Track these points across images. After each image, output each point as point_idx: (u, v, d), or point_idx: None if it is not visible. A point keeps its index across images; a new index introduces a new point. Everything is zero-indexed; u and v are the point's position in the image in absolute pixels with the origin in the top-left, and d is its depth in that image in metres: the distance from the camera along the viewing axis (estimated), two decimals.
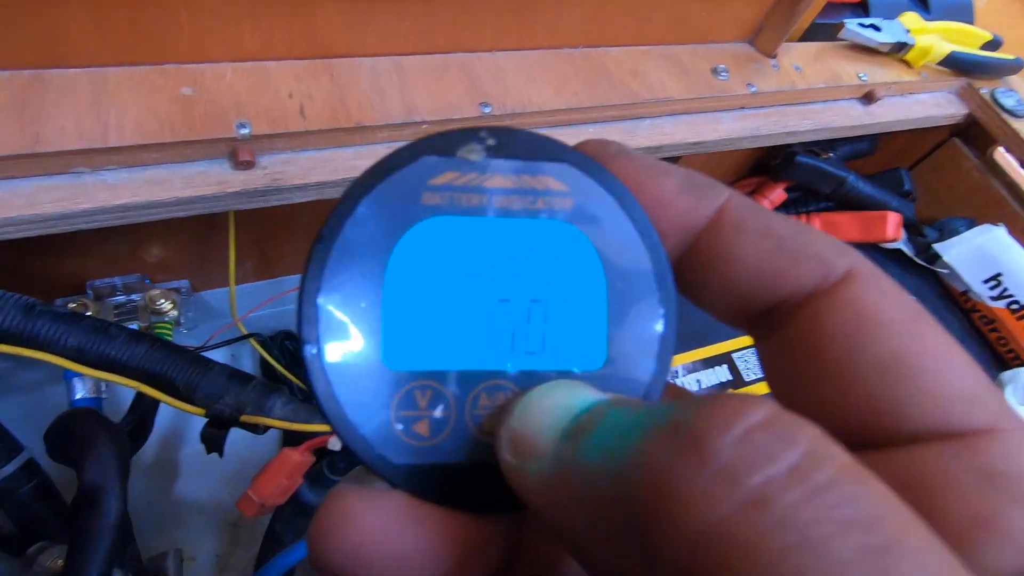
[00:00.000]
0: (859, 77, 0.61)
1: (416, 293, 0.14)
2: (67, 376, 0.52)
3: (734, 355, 0.61)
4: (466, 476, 0.14)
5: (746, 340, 0.63)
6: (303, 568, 0.51)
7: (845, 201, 0.72)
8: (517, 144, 0.14)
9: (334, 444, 0.44)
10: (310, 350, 0.13)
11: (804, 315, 0.13)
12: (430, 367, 0.14)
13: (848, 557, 0.08)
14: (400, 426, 0.13)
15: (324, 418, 0.13)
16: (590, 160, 0.14)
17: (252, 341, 0.63)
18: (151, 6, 0.36)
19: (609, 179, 0.14)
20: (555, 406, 0.13)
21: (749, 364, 0.61)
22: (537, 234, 0.14)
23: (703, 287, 0.15)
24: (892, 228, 0.69)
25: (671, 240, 0.15)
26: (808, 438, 0.09)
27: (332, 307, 0.13)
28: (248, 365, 0.75)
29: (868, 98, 0.63)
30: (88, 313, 0.52)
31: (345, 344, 0.13)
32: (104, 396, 0.53)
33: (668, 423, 0.10)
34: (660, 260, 0.14)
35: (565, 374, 0.14)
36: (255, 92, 0.40)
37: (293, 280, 0.69)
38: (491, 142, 0.14)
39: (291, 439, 0.66)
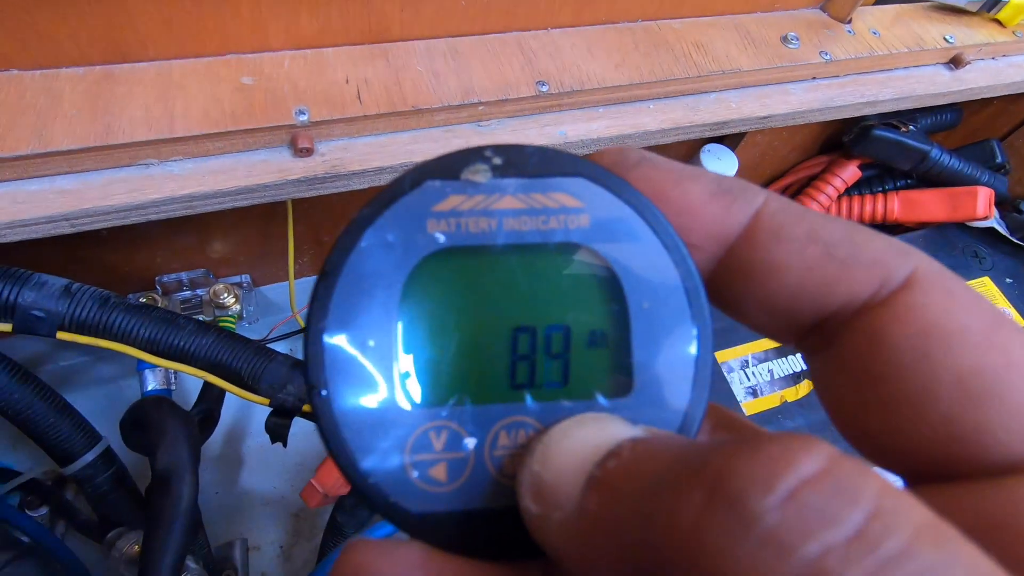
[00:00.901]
0: (945, 40, 0.56)
1: (427, 328, 0.13)
2: (140, 368, 0.54)
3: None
4: (488, 523, 0.13)
5: None
6: None
7: (928, 177, 0.67)
8: (525, 160, 0.13)
9: None
10: (319, 394, 0.12)
11: (861, 327, 0.12)
12: (445, 406, 0.13)
13: None
14: (416, 472, 0.12)
15: (336, 465, 0.12)
16: (606, 171, 0.13)
17: None
18: None
19: (628, 190, 0.13)
20: (579, 446, 0.11)
21: None
22: (552, 257, 0.13)
23: (742, 302, 0.13)
24: (983, 204, 0.64)
25: (702, 252, 0.13)
26: (874, 493, 0.08)
27: (340, 347, 0.12)
28: None
29: (955, 62, 0.57)
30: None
31: (355, 386, 0.12)
32: (173, 388, 0.55)
33: (704, 474, 0.09)
34: (690, 275, 0.13)
35: (591, 406, 0.13)
36: (312, 78, 0.40)
37: None
38: (497, 161, 0.13)
39: None
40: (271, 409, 0.45)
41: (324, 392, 0.12)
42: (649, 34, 0.49)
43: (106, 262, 0.54)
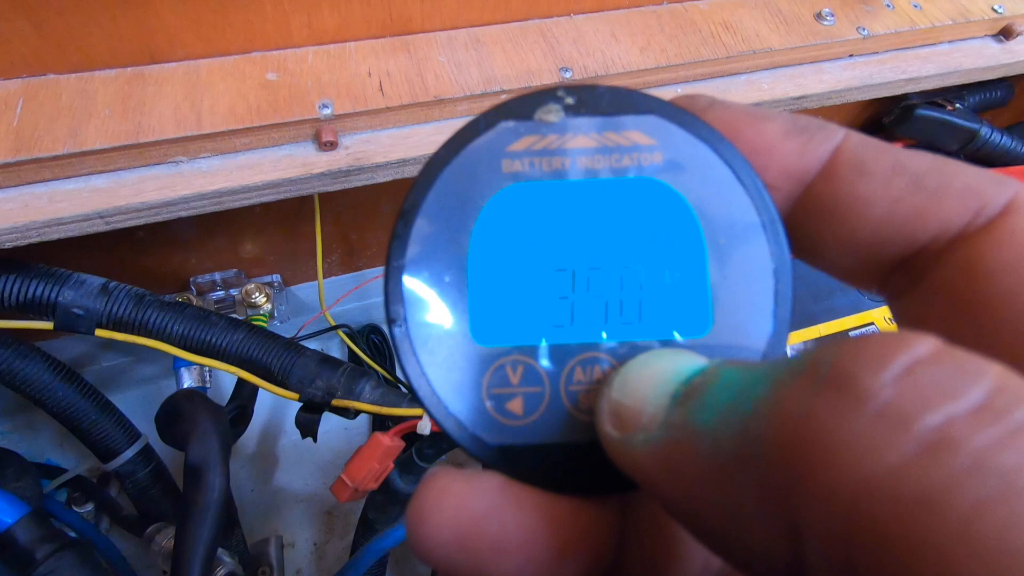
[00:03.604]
0: (993, 10, 0.53)
1: (502, 265, 0.13)
2: (176, 367, 0.55)
3: (852, 334, 0.54)
4: (564, 457, 0.13)
5: (863, 318, 0.56)
6: (396, 554, 0.50)
7: (977, 158, 0.63)
8: (598, 100, 0.13)
9: (423, 428, 0.43)
10: (398, 329, 0.13)
11: (957, 259, 0.11)
12: (520, 341, 0.13)
13: None
14: (491, 403, 0.13)
15: (414, 396, 0.13)
16: (680, 109, 0.13)
17: (340, 333, 0.64)
18: None
19: (703, 127, 0.13)
20: (660, 373, 0.11)
21: None
22: (626, 194, 0.13)
23: (822, 242, 0.13)
24: None
25: (779, 191, 0.13)
26: (996, 372, 0.08)
27: (417, 284, 0.13)
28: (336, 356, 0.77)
29: (1005, 33, 0.54)
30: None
31: (432, 321, 0.13)
32: (208, 386, 0.56)
33: (803, 368, 0.08)
34: (767, 210, 0.13)
35: (667, 343, 0.13)
36: (335, 72, 0.40)
37: (376, 272, 0.70)
38: (569, 100, 0.13)
39: (380, 426, 0.67)
40: (300, 405, 0.45)
41: (402, 326, 0.13)
42: (675, 16, 0.47)
43: (143, 264, 0.55)
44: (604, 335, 0.13)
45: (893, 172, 0.12)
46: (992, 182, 0.11)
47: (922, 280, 0.12)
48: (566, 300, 0.13)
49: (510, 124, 0.13)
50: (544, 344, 0.13)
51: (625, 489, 0.12)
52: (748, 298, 0.13)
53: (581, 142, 0.13)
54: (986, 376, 0.07)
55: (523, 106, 0.13)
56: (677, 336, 0.13)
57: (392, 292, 0.13)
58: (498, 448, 0.13)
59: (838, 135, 0.12)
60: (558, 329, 0.13)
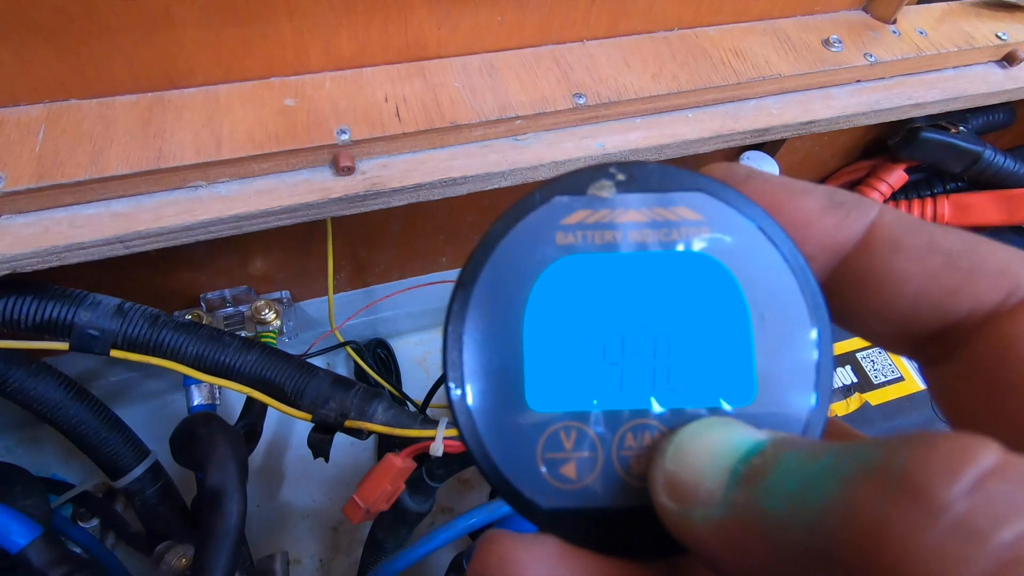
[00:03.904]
0: (997, 36, 0.54)
1: (556, 333, 0.14)
2: (186, 383, 0.55)
3: (858, 355, 0.55)
4: (617, 520, 0.13)
5: None
6: (406, 572, 0.50)
7: (980, 179, 0.64)
8: (648, 177, 0.14)
9: (435, 449, 0.43)
10: (455, 392, 0.13)
11: (988, 337, 0.12)
12: (574, 407, 0.14)
13: None
14: (545, 468, 0.13)
15: (471, 459, 0.13)
16: (724, 186, 0.14)
17: (348, 349, 0.65)
18: (258, 23, 0.37)
19: (746, 204, 0.14)
20: (715, 446, 0.12)
21: (877, 365, 0.55)
22: (674, 266, 0.14)
23: (858, 312, 0.14)
24: None
25: (816, 263, 0.14)
26: None
27: (475, 350, 0.13)
28: (343, 372, 0.77)
29: (1009, 59, 0.55)
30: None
31: (489, 386, 0.13)
32: (218, 403, 0.56)
33: (875, 468, 0.09)
34: (808, 283, 0.13)
35: (714, 411, 0.13)
36: (352, 98, 0.40)
37: (384, 288, 0.70)
38: (621, 177, 0.14)
39: (389, 446, 0.67)
40: (313, 424, 0.45)
41: (461, 392, 0.13)
42: (685, 42, 0.48)
43: (154, 281, 0.55)
44: (653, 401, 0.13)
45: (928, 250, 0.12)
46: (1023, 263, 0.12)
47: (955, 353, 0.12)
48: (616, 367, 0.14)
49: (564, 199, 0.14)
50: (596, 410, 0.13)
51: (677, 553, 0.13)
52: (791, 368, 0.13)
53: (632, 216, 0.14)
54: None
55: (577, 182, 0.14)
56: (724, 404, 0.13)
57: (451, 357, 0.13)
58: (551, 512, 0.13)
59: (873, 211, 0.13)
60: (609, 396, 0.13)
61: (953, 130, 0.61)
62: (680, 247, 0.14)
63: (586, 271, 0.14)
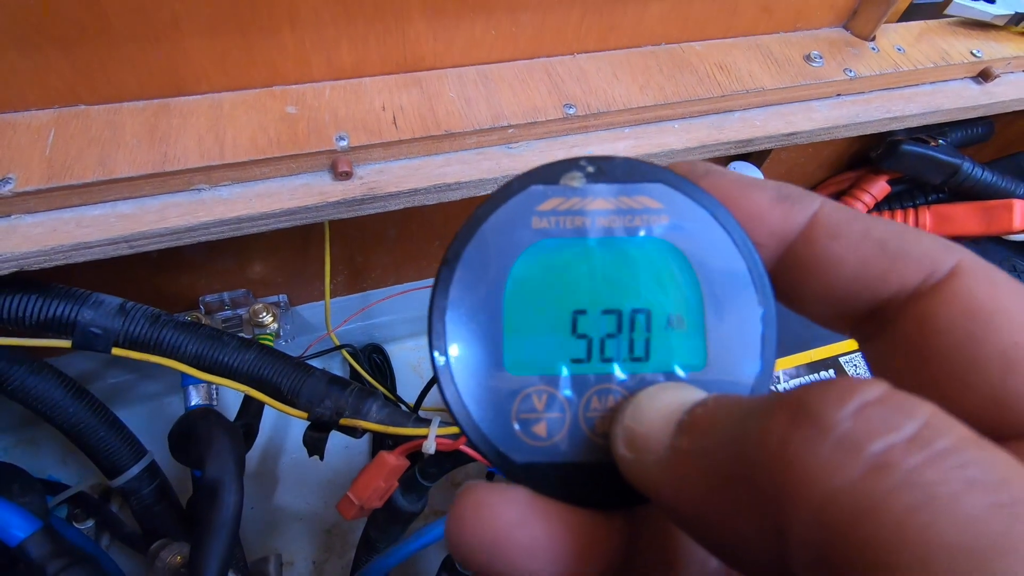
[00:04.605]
0: (972, 54, 0.56)
1: (531, 307, 0.15)
2: (184, 383, 0.56)
3: (841, 359, 0.56)
4: (582, 475, 0.15)
5: (852, 344, 0.58)
6: (397, 573, 0.51)
7: (960, 191, 0.66)
8: (615, 169, 0.15)
9: (428, 448, 0.44)
10: (439, 359, 0.15)
11: (912, 314, 0.13)
12: (545, 372, 0.15)
13: (976, 512, 0.08)
14: (519, 427, 0.15)
15: (452, 419, 0.15)
16: (683, 179, 0.15)
17: (344, 352, 0.66)
18: (262, 34, 0.39)
19: (703, 195, 0.15)
20: (666, 404, 0.13)
21: (859, 368, 0.56)
22: (636, 250, 0.15)
23: (802, 293, 0.15)
24: (1020, 217, 0.63)
25: (765, 250, 0.15)
26: (927, 411, 0.10)
27: (458, 321, 0.15)
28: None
29: (984, 76, 0.57)
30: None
31: (469, 353, 0.15)
32: (215, 403, 0.57)
33: (787, 404, 0.10)
34: (755, 264, 0.15)
35: (670, 376, 0.15)
36: (351, 107, 0.42)
37: (380, 293, 0.71)
38: (590, 169, 0.15)
39: (381, 445, 0.68)
40: (308, 423, 0.46)
41: (444, 358, 0.15)
42: (672, 57, 0.50)
43: (154, 283, 0.56)
44: (616, 368, 0.15)
45: (862, 238, 0.14)
46: (943, 249, 0.14)
47: (885, 329, 0.14)
48: (584, 338, 0.15)
49: (539, 188, 0.15)
50: (566, 376, 0.15)
51: (634, 503, 0.14)
52: (739, 340, 0.15)
53: (600, 204, 0.15)
54: (920, 413, 0.10)
55: (551, 173, 0.15)
56: (678, 371, 0.15)
57: (436, 328, 0.15)
58: (524, 465, 0.15)
59: (816, 203, 0.15)
60: (577, 363, 0.15)
61: (932, 143, 0.63)
62: (642, 232, 0.15)
63: (558, 253, 0.15)
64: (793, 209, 0.15)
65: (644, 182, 0.15)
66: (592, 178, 0.15)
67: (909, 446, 0.09)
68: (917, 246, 0.14)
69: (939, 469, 0.09)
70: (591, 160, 0.15)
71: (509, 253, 0.15)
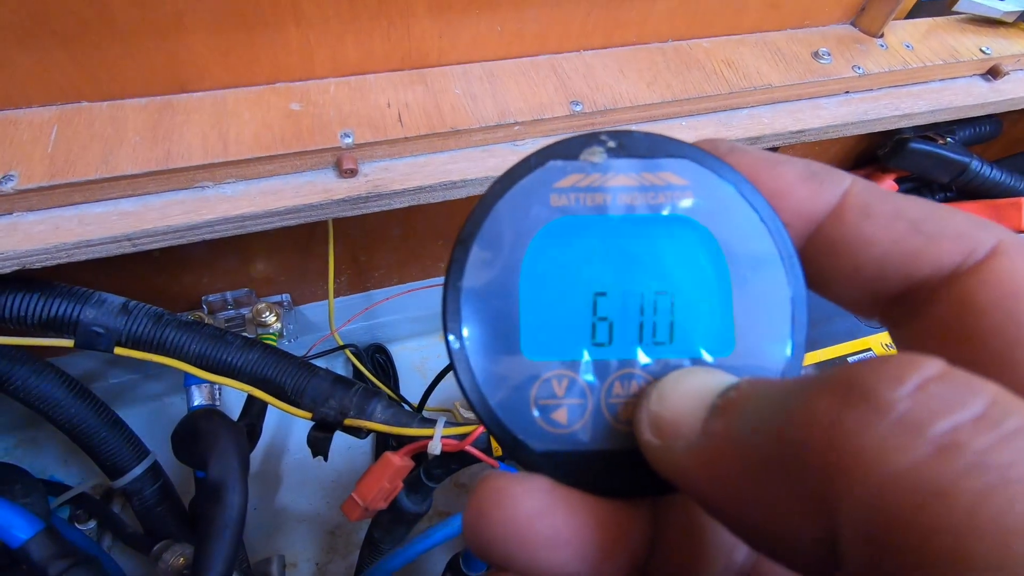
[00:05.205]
0: (981, 51, 0.56)
1: (549, 288, 0.14)
2: (187, 384, 0.55)
3: (850, 359, 0.56)
4: (605, 463, 0.14)
5: (862, 344, 0.58)
6: (401, 575, 0.51)
7: (968, 189, 0.65)
8: (636, 144, 0.15)
9: (433, 448, 0.44)
10: (454, 342, 0.14)
11: (950, 295, 0.13)
12: (566, 357, 0.14)
13: None
14: (538, 413, 0.14)
15: (467, 404, 0.14)
16: (709, 154, 0.15)
17: (348, 352, 0.65)
18: (266, 30, 0.39)
19: (729, 171, 0.15)
20: (695, 388, 0.13)
21: None
22: (660, 228, 0.14)
23: (830, 275, 0.14)
24: None
25: (792, 230, 0.15)
26: (992, 390, 0.09)
27: (473, 302, 0.14)
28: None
29: (993, 73, 0.57)
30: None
31: (486, 335, 0.14)
32: (218, 404, 0.57)
33: (832, 382, 0.10)
34: (785, 244, 0.14)
35: (696, 362, 0.14)
36: (356, 103, 0.41)
37: (383, 292, 0.71)
38: (611, 144, 0.14)
39: (385, 445, 0.67)
40: (312, 424, 0.46)
41: (459, 341, 0.14)
42: (679, 53, 0.50)
43: (157, 283, 0.56)
44: (640, 352, 0.14)
45: (894, 216, 0.13)
46: (980, 228, 0.13)
47: (919, 313, 0.13)
48: (606, 321, 0.14)
49: (558, 163, 0.14)
50: (587, 360, 0.14)
51: (660, 492, 0.13)
52: (768, 323, 0.14)
53: (621, 181, 0.14)
54: (985, 392, 0.09)
55: (570, 147, 0.14)
56: (705, 355, 0.14)
57: (450, 310, 0.14)
58: (543, 453, 0.14)
59: (846, 181, 0.14)
60: (599, 347, 0.14)
61: (941, 141, 0.63)
62: (666, 210, 0.14)
63: (578, 232, 0.14)
64: (822, 187, 0.14)
65: (667, 157, 0.14)
66: (613, 153, 0.14)
67: (977, 426, 0.08)
68: (953, 225, 0.13)
69: (1011, 449, 0.08)
70: (612, 134, 0.14)
71: (526, 232, 0.14)
